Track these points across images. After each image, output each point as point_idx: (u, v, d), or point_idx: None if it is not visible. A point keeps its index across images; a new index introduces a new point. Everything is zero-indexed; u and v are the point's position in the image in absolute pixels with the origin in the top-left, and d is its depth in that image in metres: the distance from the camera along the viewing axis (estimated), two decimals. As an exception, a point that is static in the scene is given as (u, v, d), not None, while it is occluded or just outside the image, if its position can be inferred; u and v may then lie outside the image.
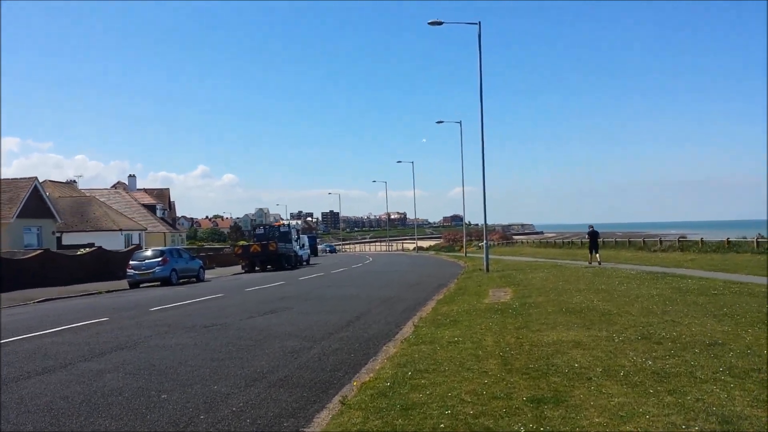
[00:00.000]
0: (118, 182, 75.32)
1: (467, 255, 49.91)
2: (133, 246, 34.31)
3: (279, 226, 41.03)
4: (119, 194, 64.11)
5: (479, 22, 26.41)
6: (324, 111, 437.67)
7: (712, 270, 22.30)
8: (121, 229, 49.08)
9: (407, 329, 11.27)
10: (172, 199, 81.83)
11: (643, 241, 39.66)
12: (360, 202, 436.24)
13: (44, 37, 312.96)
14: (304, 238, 47.86)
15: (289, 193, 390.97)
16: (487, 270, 26.22)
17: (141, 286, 25.35)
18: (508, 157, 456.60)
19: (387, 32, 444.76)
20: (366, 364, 8.46)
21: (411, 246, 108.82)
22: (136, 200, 62.91)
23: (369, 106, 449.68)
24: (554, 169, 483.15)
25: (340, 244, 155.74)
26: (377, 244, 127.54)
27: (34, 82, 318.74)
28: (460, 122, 49.33)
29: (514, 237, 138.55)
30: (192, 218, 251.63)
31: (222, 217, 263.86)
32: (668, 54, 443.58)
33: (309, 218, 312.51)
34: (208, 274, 33.68)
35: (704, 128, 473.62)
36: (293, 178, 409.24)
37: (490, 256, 47.73)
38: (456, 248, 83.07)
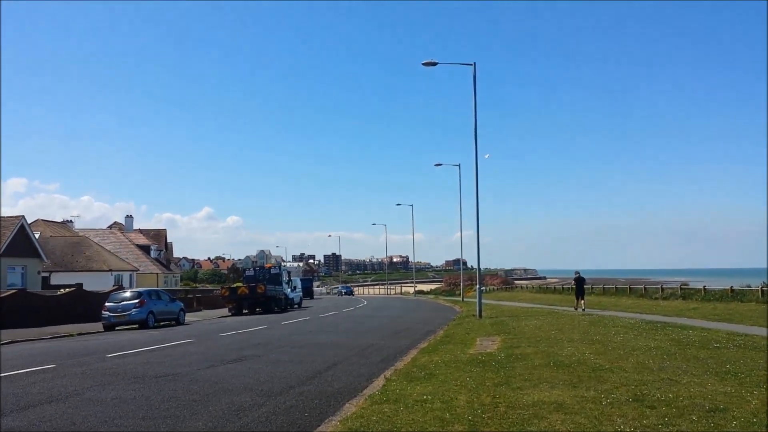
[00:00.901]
0: (114, 223, 74.60)
1: (464, 300, 48.63)
2: (115, 287, 33.23)
3: (269, 268, 39.99)
4: (114, 234, 63.36)
5: (474, 63, 25.92)
6: (328, 153, 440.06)
7: (715, 320, 21.18)
8: (111, 270, 48.12)
9: (378, 383, 10.19)
10: (169, 240, 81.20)
11: (645, 288, 38.50)
12: (362, 245, 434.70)
13: (50, 77, 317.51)
14: (296, 281, 46.78)
15: (292, 235, 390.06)
16: (480, 316, 25.09)
17: (117, 328, 24.25)
18: (512, 201, 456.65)
19: (386, 72, 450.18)
20: (319, 426, 7.40)
21: (411, 289, 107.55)
22: (130, 241, 62.13)
23: (371, 147, 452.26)
24: (558, 214, 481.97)
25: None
26: (378, 287, 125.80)
27: (42, 123, 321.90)
28: (459, 165, 48.59)
29: (515, 282, 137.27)
30: (193, 259, 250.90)
31: (223, 259, 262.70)
32: (671, 103, 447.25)
33: (311, 260, 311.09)
34: (194, 316, 32.57)
35: (708, 176, 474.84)
36: (296, 221, 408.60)
37: (487, 302, 47.01)
38: (456, 292, 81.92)
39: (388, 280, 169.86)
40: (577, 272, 29.98)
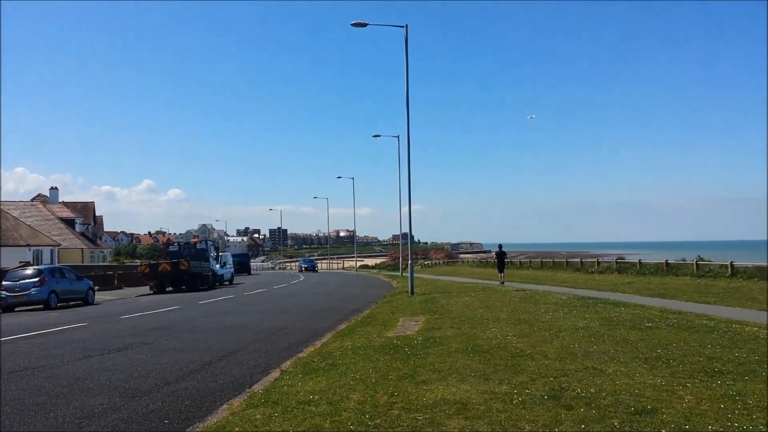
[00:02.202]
0: (38, 195, 70.54)
1: (404, 275, 47.52)
2: (20, 264, 30.76)
3: (195, 242, 37.99)
4: (35, 207, 59.74)
5: (406, 25, 24.52)
6: (272, 124, 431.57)
7: (649, 295, 20.64)
8: (28, 245, 45.12)
9: (270, 377, 8.88)
10: (99, 213, 77.65)
11: (581, 262, 38.22)
12: (310, 219, 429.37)
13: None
14: (227, 256, 44.80)
15: (238, 209, 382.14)
16: (412, 293, 24.02)
17: (17, 309, 22.18)
18: (465, 174, 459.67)
19: (320, 38, 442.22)
20: (172, 437, 6.04)
21: (356, 264, 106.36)
22: (53, 214, 58.70)
23: (316, 118, 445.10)
24: (507, 188, 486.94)
25: (287, 262, 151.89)
26: (324, 261, 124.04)
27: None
28: (398, 137, 47.16)
29: (459, 256, 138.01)
30: (132, 234, 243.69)
31: (164, 233, 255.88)
32: (607, 79, 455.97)
33: (255, 235, 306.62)
34: (111, 295, 30.55)
35: (646, 153, 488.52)
36: (243, 195, 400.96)
37: (425, 276, 46.27)
38: (402, 266, 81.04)
39: (335, 254, 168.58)
40: (499, 246, 31.09)
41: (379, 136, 48.59)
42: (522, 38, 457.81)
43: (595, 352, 9.11)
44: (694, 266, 27.56)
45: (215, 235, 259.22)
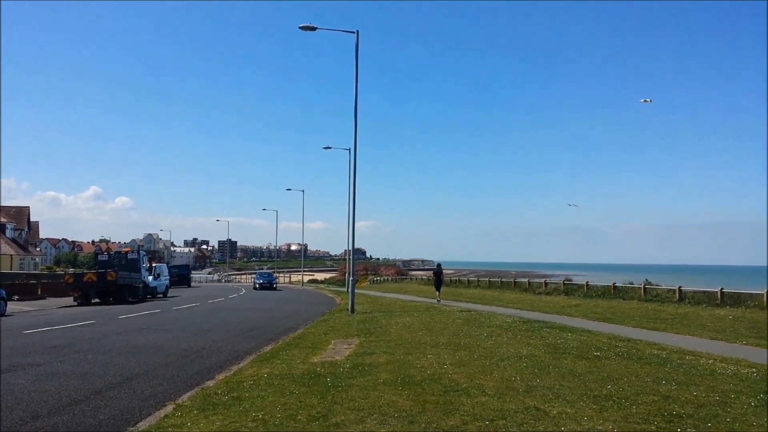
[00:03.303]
0: (-32, 197, 66.75)
1: (347, 292, 46.24)
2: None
3: (126, 252, 35.88)
4: (-38, 211, 56.34)
5: (357, 31, 23.42)
6: (223, 133, 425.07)
7: (597, 319, 19.85)
8: (-52, 250, 42.17)
9: (162, 412, 7.50)
10: (38, 219, 74.17)
11: (528, 282, 37.65)
12: (262, 232, 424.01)
13: None
14: (162, 267, 42.57)
15: (187, 220, 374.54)
16: (352, 311, 22.75)
17: None
18: (415, 191, 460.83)
19: (273, 43, 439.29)
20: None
21: (306, 278, 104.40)
22: (-18, 218, 55.40)
23: (269, 128, 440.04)
24: (462, 207, 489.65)
25: (234, 274, 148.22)
26: (278, 275, 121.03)
27: None
28: (350, 149, 45.95)
29: (411, 273, 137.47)
30: (74, 241, 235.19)
31: (107, 242, 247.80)
32: (558, 102, 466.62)
33: (204, 246, 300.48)
34: (29, 305, 28.36)
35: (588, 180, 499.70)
36: (193, 205, 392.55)
37: (371, 293, 44.99)
38: (350, 282, 79.62)
39: (285, 268, 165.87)
40: (438, 264, 32.37)
41: (330, 148, 47.43)
42: (483, 57, 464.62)
43: (539, 387, 8.04)
44: (642, 290, 27.11)
45: (161, 245, 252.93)
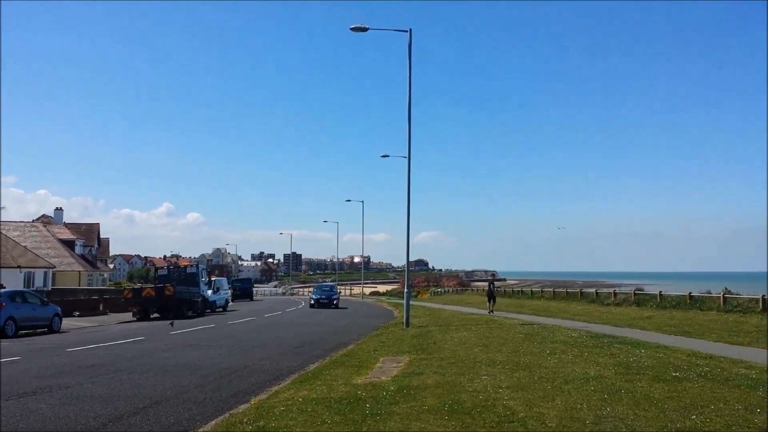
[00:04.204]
0: (43, 215, 69.30)
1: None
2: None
3: (185, 266, 36.04)
4: (35, 228, 58.34)
5: (410, 30, 22.62)
6: (290, 150, 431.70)
7: (672, 332, 18.23)
8: (19, 267, 43.46)
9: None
10: (103, 236, 76.29)
11: (596, 292, 35.71)
12: (326, 245, 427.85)
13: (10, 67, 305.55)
14: (221, 281, 42.68)
15: (255, 233, 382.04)
16: (407, 325, 21.78)
17: (-28, 338, 20.25)
18: (478, 200, 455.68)
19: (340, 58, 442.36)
20: None
21: (368, 291, 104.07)
22: (53, 235, 57.22)
23: (334, 142, 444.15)
24: (525, 215, 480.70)
25: (298, 287, 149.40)
26: (340, 287, 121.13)
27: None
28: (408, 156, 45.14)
29: (473, 284, 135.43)
30: (146, 257, 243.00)
31: (179, 257, 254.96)
32: (629, 100, 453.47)
33: (270, 259, 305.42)
34: (89, 321, 28.56)
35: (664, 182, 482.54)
36: (260, 219, 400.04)
37: (431, 305, 43.89)
38: (413, 294, 78.66)
39: (348, 280, 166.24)
40: (492, 275, 30.44)
41: (388, 156, 46.69)
42: (548, 53, 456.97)
43: (610, 418, 6.89)
44: (721, 300, 25.06)
45: (228, 260, 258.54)
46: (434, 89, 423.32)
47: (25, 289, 25.27)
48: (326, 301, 42.10)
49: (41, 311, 22.55)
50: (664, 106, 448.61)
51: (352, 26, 22.15)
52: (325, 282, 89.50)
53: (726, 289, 26.53)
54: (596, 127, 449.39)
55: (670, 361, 11.43)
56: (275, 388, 10.28)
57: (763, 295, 23.27)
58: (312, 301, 42.84)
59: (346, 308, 38.62)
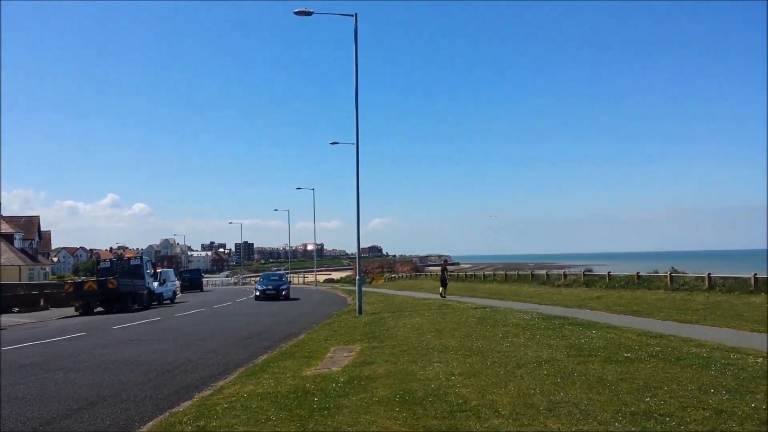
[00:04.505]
0: (-22, 209, 66.24)
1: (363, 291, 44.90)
2: None
3: (129, 258, 34.86)
4: (-30, 222, 55.76)
5: (355, 14, 22.18)
6: (235, 136, 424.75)
7: (621, 312, 18.43)
8: (-47, 263, 41.45)
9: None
10: (44, 228, 73.56)
11: (547, 274, 36.13)
12: (278, 233, 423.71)
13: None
14: (168, 273, 41.48)
15: (203, 223, 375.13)
16: (359, 312, 21.50)
17: None
18: (430, 186, 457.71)
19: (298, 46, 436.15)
20: None
21: (322, 278, 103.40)
22: (-11, 229, 54.74)
23: (279, 128, 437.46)
24: (478, 200, 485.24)
25: (250, 276, 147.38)
26: (293, 275, 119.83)
27: None
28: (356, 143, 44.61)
29: (427, 269, 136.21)
30: (91, 249, 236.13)
31: (125, 248, 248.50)
32: (574, 90, 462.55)
33: (221, 249, 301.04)
34: (27, 317, 27.35)
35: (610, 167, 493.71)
36: (208, 209, 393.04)
37: (384, 291, 43.75)
38: (367, 280, 78.39)
39: (302, 268, 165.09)
40: (444, 260, 31.07)
41: (337, 143, 46.03)
42: (494, 42, 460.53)
43: (563, 403, 6.71)
44: (668, 279, 25.58)
45: (178, 250, 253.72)
46: (385, 76, 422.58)
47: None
48: (273, 292, 36.74)
49: (-26, 309, 21.45)
50: (623, 86, 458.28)
51: (296, 10, 21.61)
52: (275, 271, 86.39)
53: (672, 268, 27.10)
54: (549, 112, 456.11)
55: (621, 341, 11.42)
56: (220, 383, 9.84)
57: (709, 274, 23.80)
58: (257, 293, 37.25)
59: (298, 299, 38.06)
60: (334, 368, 10.19)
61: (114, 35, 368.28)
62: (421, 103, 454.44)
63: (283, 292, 37.08)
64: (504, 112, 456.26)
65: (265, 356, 12.68)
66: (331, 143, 46.51)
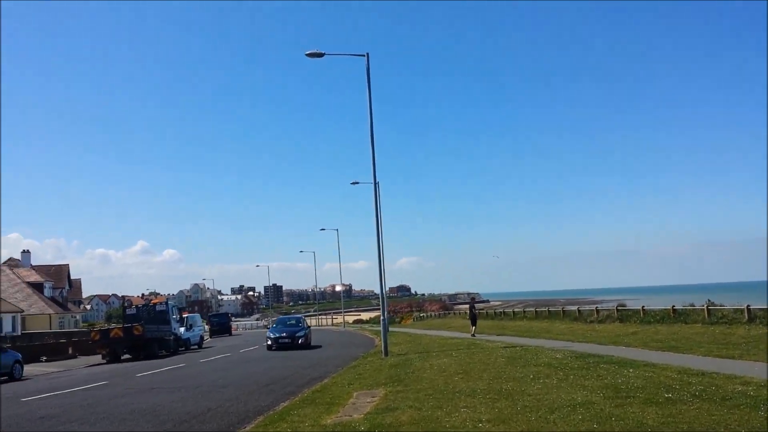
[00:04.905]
0: (10, 259, 67.30)
1: (389, 331, 44.15)
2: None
3: (155, 304, 34.78)
4: (2, 272, 56.49)
5: (367, 54, 22.14)
6: (262, 181, 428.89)
7: (659, 348, 17.61)
8: (-17, 313, 41.88)
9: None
10: (76, 276, 74.49)
11: (579, 310, 35.11)
12: (306, 275, 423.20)
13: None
14: (194, 318, 41.36)
15: (233, 267, 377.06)
16: (385, 353, 20.91)
17: None
18: (457, 225, 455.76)
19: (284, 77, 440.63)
20: None
21: (351, 319, 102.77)
22: (20, 278, 55.47)
23: (304, 170, 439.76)
24: (506, 238, 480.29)
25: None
26: (322, 317, 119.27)
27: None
28: (377, 183, 44.48)
29: (456, 307, 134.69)
30: (123, 296, 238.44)
31: (157, 294, 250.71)
32: (597, 125, 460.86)
33: (250, 293, 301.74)
34: (58, 366, 27.26)
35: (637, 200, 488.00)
36: (237, 253, 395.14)
37: (413, 331, 42.98)
38: (396, 320, 77.53)
39: (331, 309, 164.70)
40: (472, 298, 30.51)
41: (358, 183, 45.99)
42: (511, 83, 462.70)
43: (601, 453, 6.13)
44: (705, 312, 24.56)
45: (208, 294, 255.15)
46: (404, 114, 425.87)
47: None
48: (288, 341, 30.40)
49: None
50: (642, 125, 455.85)
51: (307, 52, 21.69)
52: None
53: (709, 300, 26.06)
54: (570, 148, 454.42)
55: (661, 380, 10.74)
56: (236, 434, 9.40)
57: (748, 306, 22.81)
58: (269, 341, 30.69)
59: (325, 339, 37.39)
60: (355, 415, 9.68)
61: (137, 77, 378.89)
62: (446, 139, 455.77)
63: (300, 340, 30.57)
64: (531, 148, 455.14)
65: (285, 403, 12.19)
66: (352, 183, 46.48)
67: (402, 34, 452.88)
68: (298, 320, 34.77)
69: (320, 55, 21.54)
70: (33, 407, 13.45)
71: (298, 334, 30.82)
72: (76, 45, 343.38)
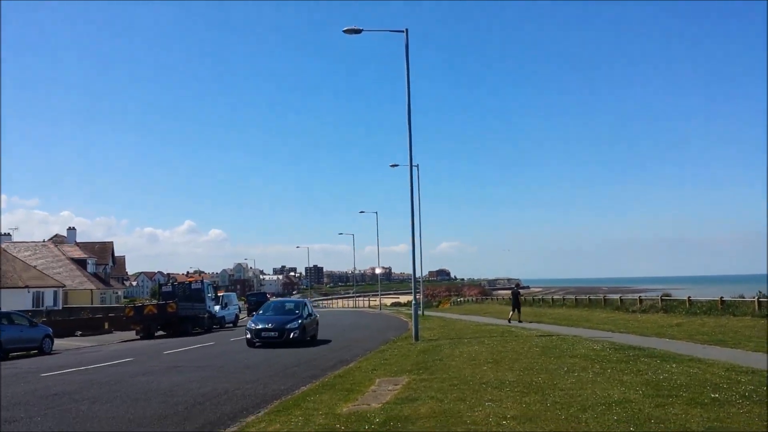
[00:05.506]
0: (56, 235, 68.94)
1: (424, 314, 43.53)
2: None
3: (191, 282, 34.89)
4: (47, 248, 57.86)
5: (406, 30, 21.42)
6: (308, 162, 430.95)
7: (705, 341, 16.58)
8: (27, 286, 42.78)
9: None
10: (123, 254, 75.98)
11: (621, 299, 33.85)
12: (347, 257, 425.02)
13: (32, 87, 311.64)
14: (230, 296, 41.56)
15: (276, 247, 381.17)
16: (416, 338, 20.35)
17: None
18: (500, 209, 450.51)
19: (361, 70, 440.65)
20: None
21: (388, 302, 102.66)
22: (64, 254, 56.65)
23: (348, 152, 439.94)
24: (549, 223, 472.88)
25: (320, 300, 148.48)
26: (357, 299, 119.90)
27: (20, 135, 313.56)
28: (417, 165, 43.75)
29: (495, 292, 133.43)
30: (168, 274, 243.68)
31: (201, 273, 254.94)
32: (648, 109, 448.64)
33: (291, 273, 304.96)
34: (91, 341, 27.48)
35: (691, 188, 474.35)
36: (281, 233, 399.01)
37: (448, 316, 42.31)
38: (434, 304, 76.94)
39: (371, 291, 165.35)
40: (516, 284, 30.65)
41: (397, 165, 45.27)
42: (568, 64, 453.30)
43: (636, 461, 5.42)
44: (755, 304, 23.23)
45: (250, 274, 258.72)
46: (447, 96, 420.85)
47: (12, 311, 24.15)
48: (274, 335, 21.19)
49: (29, 333, 21.44)
50: (675, 112, 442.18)
51: (345, 28, 21.08)
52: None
53: (760, 292, 24.64)
54: (618, 136, 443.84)
55: (707, 378, 9.88)
56: (250, 418, 8.96)
57: (803, 298, 21.44)
58: (248, 334, 21.62)
59: (359, 321, 36.94)
60: (373, 404, 9.13)
61: (184, 61, 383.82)
62: (490, 122, 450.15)
63: (292, 334, 21.27)
64: (577, 133, 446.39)
65: (305, 387, 11.72)
66: (391, 165, 45.78)
67: (444, 9, 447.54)
68: (297, 305, 24.22)
69: (358, 31, 20.92)
70: (50, 383, 13.29)
71: (289, 326, 21.41)
72: (128, 26, 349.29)
